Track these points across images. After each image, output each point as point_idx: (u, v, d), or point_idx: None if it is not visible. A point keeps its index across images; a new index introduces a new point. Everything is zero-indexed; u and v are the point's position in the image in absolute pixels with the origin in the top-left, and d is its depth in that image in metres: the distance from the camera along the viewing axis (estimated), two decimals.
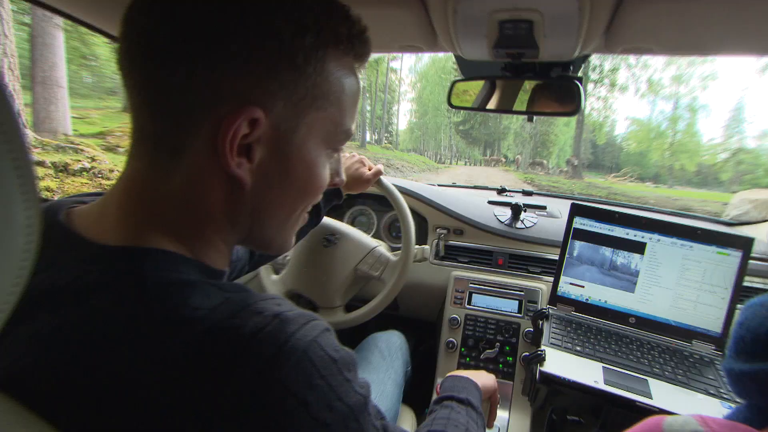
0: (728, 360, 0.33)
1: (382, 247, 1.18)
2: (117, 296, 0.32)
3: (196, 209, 0.37)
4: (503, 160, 33.43)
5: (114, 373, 0.29)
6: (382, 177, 1.02)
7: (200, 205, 0.37)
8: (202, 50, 0.33)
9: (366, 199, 1.46)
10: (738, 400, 0.35)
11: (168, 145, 0.35)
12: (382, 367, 0.98)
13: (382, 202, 1.42)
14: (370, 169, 1.00)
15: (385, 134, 37.55)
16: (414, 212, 1.34)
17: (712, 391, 0.83)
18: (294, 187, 0.40)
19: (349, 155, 1.00)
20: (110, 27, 0.83)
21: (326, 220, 1.18)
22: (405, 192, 1.32)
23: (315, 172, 0.41)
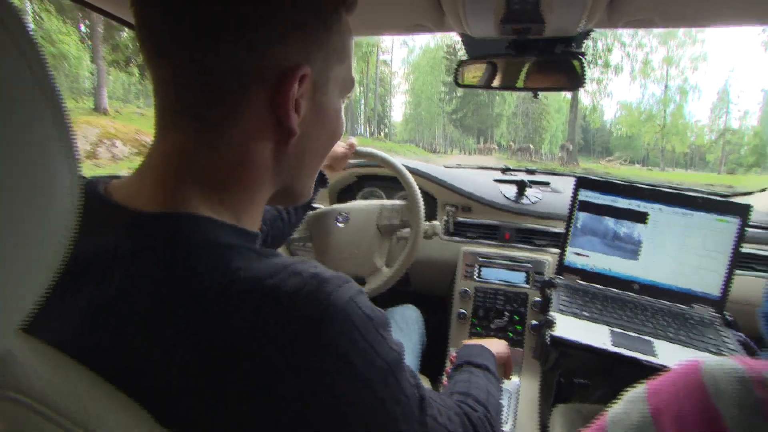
0: (766, 306, 0.35)
1: (378, 247, 1.20)
2: (162, 260, 0.33)
3: (245, 169, 0.39)
4: (496, 148, 33.01)
5: (168, 334, 0.31)
6: (357, 147, 1.07)
7: (251, 164, 0.40)
8: (252, 21, 0.36)
9: (374, 181, 1.49)
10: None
11: (220, 114, 0.37)
12: (400, 339, 1.02)
13: (391, 182, 1.45)
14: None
15: (382, 127, 36.92)
16: (423, 191, 1.37)
17: (712, 350, 0.87)
18: (326, 134, 0.45)
19: None
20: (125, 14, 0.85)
21: (330, 206, 1.22)
22: (415, 172, 1.35)
23: (340, 118, 0.46)
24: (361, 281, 1.13)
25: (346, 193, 1.53)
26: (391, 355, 0.36)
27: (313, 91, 0.41)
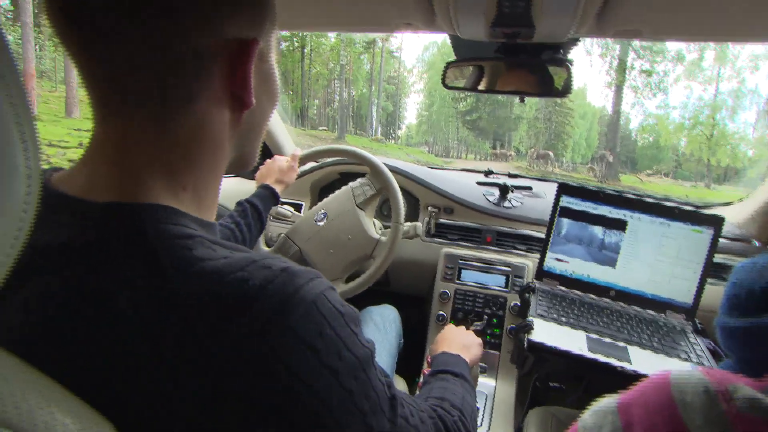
0: (721, 317, 0.36)
1: (369, 222, 1.20)
2: (121, 251, 0.32)
3: (204, 147, 0.39)
4: (513, 154, 29.03)
5: (129, 326, 0.30)
6: (299, 153, 1.12)
7: (209, 141, 0.39)
8: (200, 3, 0.35)
9: (358, 177, 1.47)
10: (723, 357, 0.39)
11: (175, 96, 0.36)
12: (377, 339, 1.01)
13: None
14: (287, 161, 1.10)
15: (394, 129, 34.91)
16: (406, 191, 1.36)
17: (683, 357, 0.89)
18: (272, 99, 0.45)
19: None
20: None
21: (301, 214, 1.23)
22: (398, 172, 1.34)
23: (278, 81, 0.46)
24: (369, 261, 1.15)
25: (328, 190, 1.51)
26: (362, 351, 0.36)
27: (260, 60, 0.41)
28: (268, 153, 1.51)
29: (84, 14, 0.33)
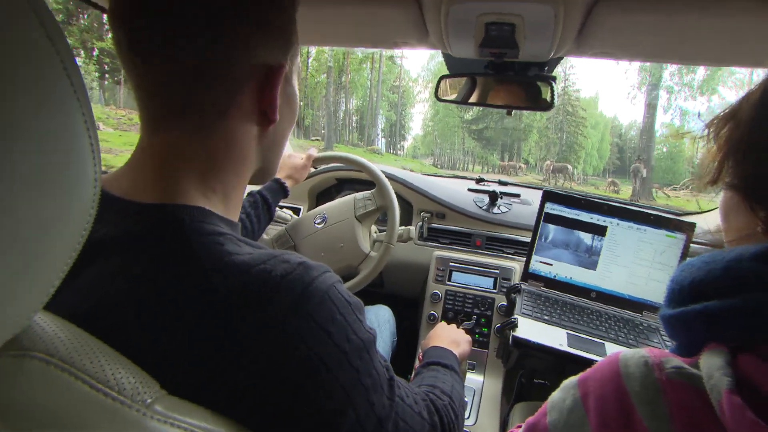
0: (663, 309, 0.42)
1: (364, 235, 1.24)
2: (162, 245, 0.37)
3: (233, 156, 0.44)
4: (523, 166, 27.84)
5: (172, 309, 0.35)
6: (315, 155, 1.17)
7: (238, 151, 0.45)
8: (247, 23, 0.40)
9: (353, 184, 1.54)
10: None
11: (213, 111, 0.42)
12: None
13: (371, 185, 1.50)
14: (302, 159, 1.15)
15: (398, 139, 32.86)
16: (400, 197, 1.43)
17: None
18: (292, 117, 0.51)
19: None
20: None
21: (305, 214, 1.27)
22: (393, 179, 1.41)
23: (298, 101, 0.52)
24: (354, 272, 1.18)
25: (325, 195, 1.57)
26: (366, 335, 0.41)
27: (285, 83, 0.46)
28: None
29: (144, 32, 0.39)
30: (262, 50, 0.42)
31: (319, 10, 0.79)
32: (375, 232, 1.28)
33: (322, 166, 1.49)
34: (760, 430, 0.28)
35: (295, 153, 1.17)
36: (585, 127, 27.69)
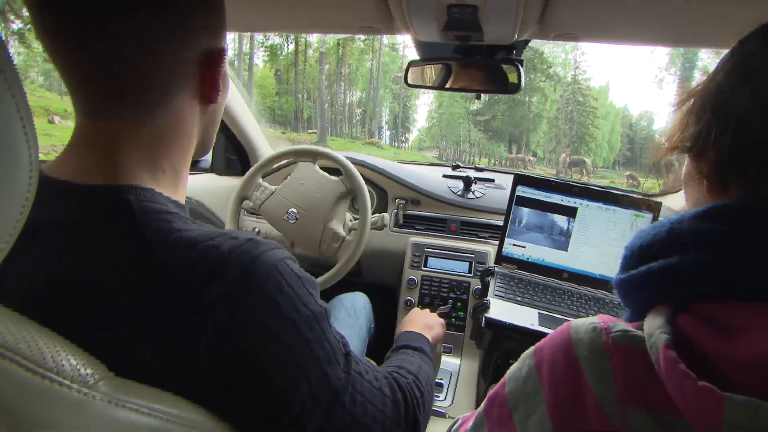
0: (616, 275, 0.44)
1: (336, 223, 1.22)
2: (111, 224, 0.38)
3: (178, 136, 0.45)
4: (532, 159, 25.45)
5: (116, 284, 0.36)
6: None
7: (182, 131, 0.45)
8: (190, 9, 0.41)
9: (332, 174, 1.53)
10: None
11: (157, 96, 0.42)
12: (348, 323, 1.08)
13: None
14: None
15: (402, 131, 31.35)
16: (375, 184, 1.43)
17: None
18: (226, 93, 0.52)
19: None
20: None
21: (288, 194, 1.24)
22: (366, 166, 1.41)
23: (229, 78, 0.54)
24: (332, 261, 1.16)
25: None
26: (317, 308, 0.42)
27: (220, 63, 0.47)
28: (240, 148, 1.55)
29: (80, 13, 0.38)
30: (201, 33, 0.43)
31: None
32: (350, 220, 1.27)
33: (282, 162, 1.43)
34: (690, 381, 0.29)
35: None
36: (596, 117, 26.61)
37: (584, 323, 0.39)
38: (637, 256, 0.39)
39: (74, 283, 0.36)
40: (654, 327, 0.33)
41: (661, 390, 0.31)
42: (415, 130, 34.04)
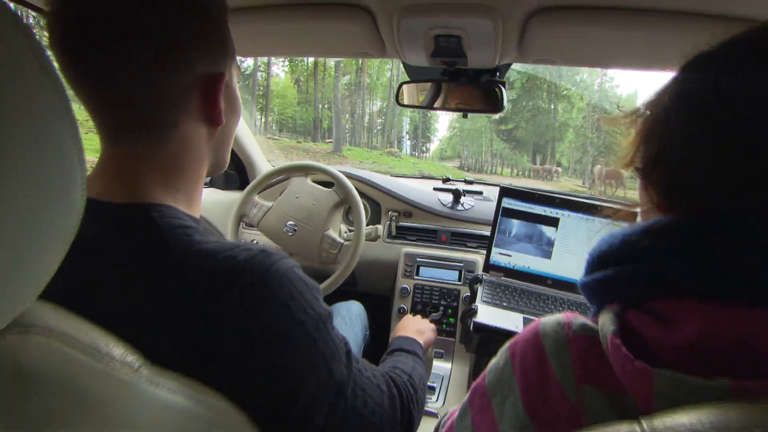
0: (580, 278, 0.50)
1: (332, 231, 1.29)
2: (138, 239, 0.42)
3: (189, 157, 0.49)
4: (559, 169, 23.99)
5: (150, 295, 0.40)
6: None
7: (192, 152, 0.50)
8: (189, 42, 0.45)
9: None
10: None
11: (166, 122, 0.46)
12: (344, 330, 1.13)
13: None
14: None
15: (424, 141, 30.37)
16: (369, 198, 1.50)
17: None
18: (236, 115, 0.56)
19: None
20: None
21: (286, 208, 1.31)
22: (361, 180, 1.48)
23: (239, 100, 0.57)
24: (330, 270, 1.22)
25: None
26: (323, 311, 0.47)
27: (225, 87, 0.52)
28: (239, 163, 1.62)
29: (89, 62, 0.43)
30: (201, 62, 0.47)
31: (279, 24, 0.85)
32: (345, 232, 1.34)
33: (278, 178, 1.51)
34: (630, 362, 0.35)
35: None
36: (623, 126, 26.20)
37: (551, 319, 0.45)
38: (596, 262, 0.45)
39: (106, 290, 0.41)
40: (606, 320, 0.40)
41: (610, 371, 0.38)
42: (437, 140, 32.87)
